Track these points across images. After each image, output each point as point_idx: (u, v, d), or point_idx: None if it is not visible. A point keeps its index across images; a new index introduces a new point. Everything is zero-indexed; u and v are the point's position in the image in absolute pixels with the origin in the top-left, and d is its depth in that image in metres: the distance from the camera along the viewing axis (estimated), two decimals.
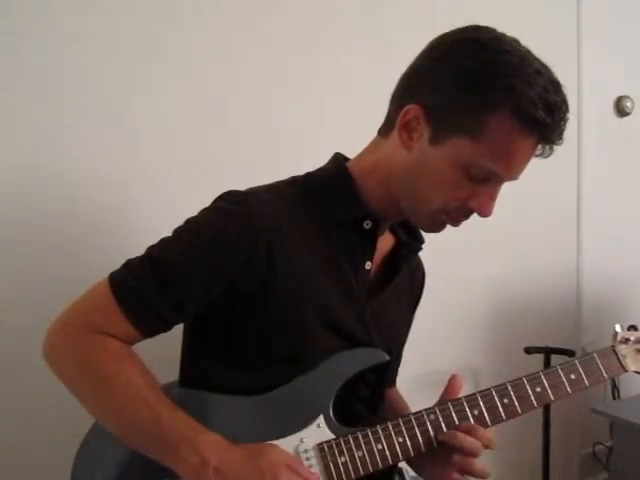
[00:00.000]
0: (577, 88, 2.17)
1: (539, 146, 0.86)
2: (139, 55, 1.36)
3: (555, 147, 0.87)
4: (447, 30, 0.89)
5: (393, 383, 1.15)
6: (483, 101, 0.82)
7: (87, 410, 0.85)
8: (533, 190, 1.91)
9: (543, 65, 0.84)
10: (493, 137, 0.82)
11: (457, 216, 0.91)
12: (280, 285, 0.87)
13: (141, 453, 0.83)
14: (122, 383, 0.82)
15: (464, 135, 0.83)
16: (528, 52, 0.85)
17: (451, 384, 0.95)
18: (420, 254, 1.12)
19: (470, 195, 0.87)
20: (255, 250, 0.85)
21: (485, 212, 0.89)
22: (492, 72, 0.81)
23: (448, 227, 0.93)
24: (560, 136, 0.85)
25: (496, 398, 0.91)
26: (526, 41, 0.86)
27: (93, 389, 0.84)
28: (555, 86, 0.83)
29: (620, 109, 2.30)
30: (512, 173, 0.87)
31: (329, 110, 1.61)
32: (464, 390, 0.95)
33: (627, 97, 2.30)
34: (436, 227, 0.93)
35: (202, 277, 0.86)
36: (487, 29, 0.86)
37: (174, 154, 1.41)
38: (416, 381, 1.18)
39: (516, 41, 0.85)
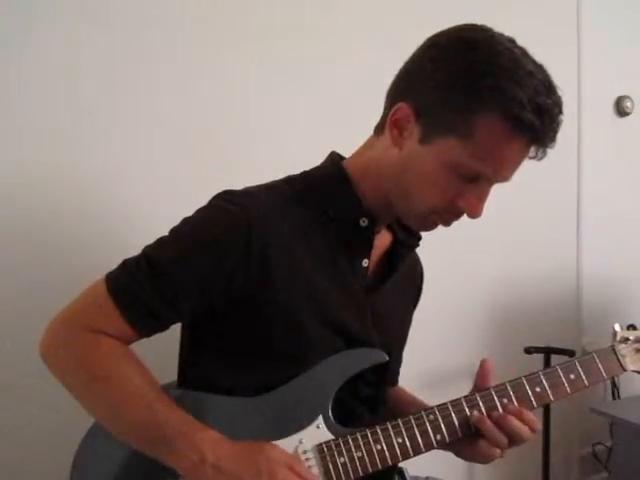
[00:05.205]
0: (577, 88, 2.17)
1: (532, 148, 0.85)
2: (139, 55, 1.36)
3: (548, 150, 0.85)
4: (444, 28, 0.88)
5: (395, 384, 1.14)
6: (471, 101, 0.81)
7: (84, 408, 0.85)
8: (533, 190, 1.92)
9: (538, 66, 0.83)
10: (481, 138, 0.81)
11: (448, 216, 0.90)
12: (277, 285, 0.87)
13: (141, 453, 0.82)
14: (118, 380, 0.82)
15: (452, 135, 0.82)
16: (523, 53, 0.83)
17: (481, 369, 0.95)
18: (420, 254, 1.12)
19: (459, 195, 0.86)
20: (251, 250, 0.85)
21: (474, 213, 0.87)
22: (481, 73, 0.80)
23: (450, 227, 0.93)
24: (552, 139, 0.84)
25: (495, 398, 0.91)
26: (526, 41, 0.85)
27: (89, 387, 0.84)
28: (548, 88, 0.81)
29: (620, 109, 2.30)
30: (501, 174, 0.86)
31: (326, 109, 1.61)
32: (464, 390, 0.95)
33: (627, 97, 2.30)
34: (427, 227, 0.93)
35: (198, 276, 0.85)
36: (483, 28, 0.85)
37: (173, 154, 1.41)
38: (416, 381, 1.18)
39: (512, 41, 0.84)
